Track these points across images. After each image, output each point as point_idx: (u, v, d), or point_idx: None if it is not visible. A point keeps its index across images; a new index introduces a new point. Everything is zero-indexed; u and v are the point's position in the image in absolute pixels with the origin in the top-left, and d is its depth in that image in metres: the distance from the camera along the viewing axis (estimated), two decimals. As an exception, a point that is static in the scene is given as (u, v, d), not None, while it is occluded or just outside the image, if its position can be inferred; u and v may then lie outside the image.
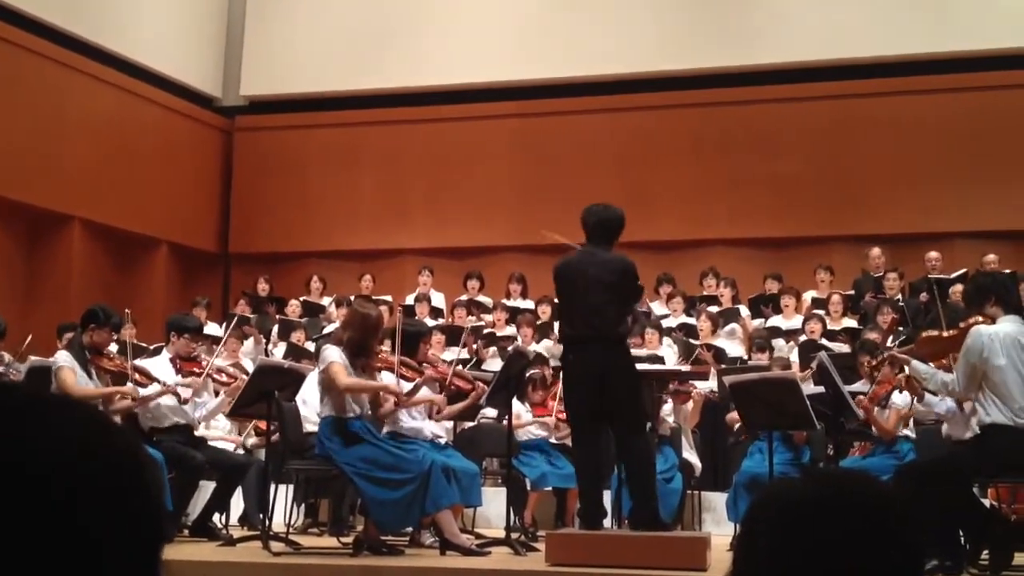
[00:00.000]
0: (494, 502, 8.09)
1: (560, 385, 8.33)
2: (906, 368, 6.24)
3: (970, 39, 12.46)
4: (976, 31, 12.45)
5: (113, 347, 7.58)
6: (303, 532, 7.91)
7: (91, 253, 12.59)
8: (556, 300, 6.45)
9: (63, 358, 6.76)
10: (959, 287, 9.66)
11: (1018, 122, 12.28)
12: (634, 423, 5.86)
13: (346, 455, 5.97)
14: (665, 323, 10.33)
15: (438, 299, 11.89)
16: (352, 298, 10.58)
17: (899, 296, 10.50)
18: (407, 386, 6.63)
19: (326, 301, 11.99)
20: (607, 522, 6.16)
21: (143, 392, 6.94)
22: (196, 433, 7.48)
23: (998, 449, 5.54)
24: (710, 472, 8.76)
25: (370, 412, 6.29)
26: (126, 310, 7.71)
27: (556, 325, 10.52)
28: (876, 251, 11.29)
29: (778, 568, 1.11)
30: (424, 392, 6.76)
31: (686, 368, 8.77)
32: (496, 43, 13.79)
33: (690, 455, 8.12)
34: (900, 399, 7.28)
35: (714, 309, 10.50)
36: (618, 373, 5.78)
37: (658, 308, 10.82)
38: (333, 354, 6.08)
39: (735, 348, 10.13)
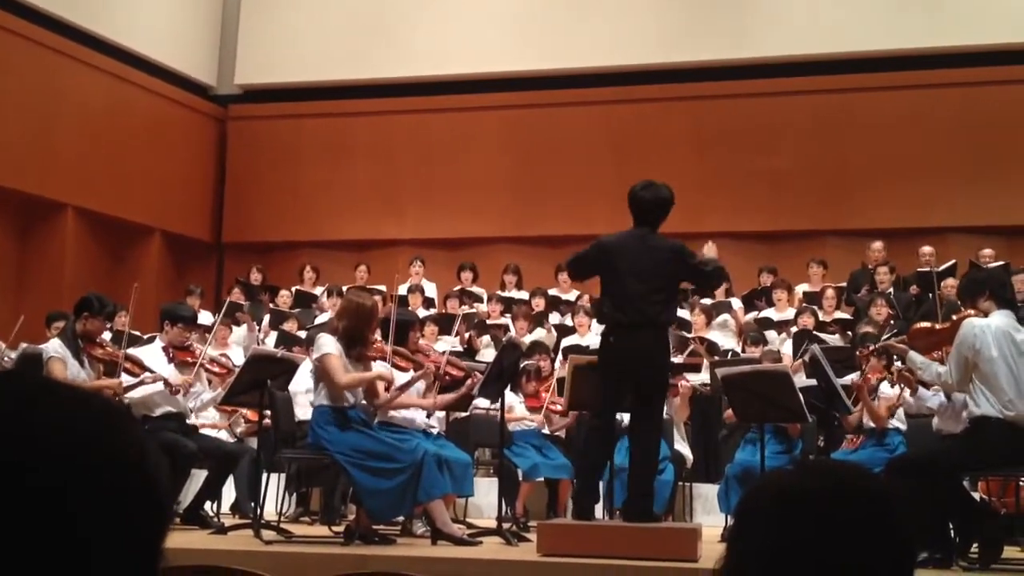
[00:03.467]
0: (486, 492, 8.11)
1: (554, 378, 8.39)
2: (898, 359, 6.26)
3: (966, 34, 12.47)
4: (972, 26, 12.46)
5: (106, 335, 7.56)
6: (295, 521, 7.91)
7: (84, 241, 12.56)
8: (577, 276, 6.31)
9: (54, 347, 6.73)
10: (950, 281, 9.70)
11: (1012, 117, 12.30)
12: (655, 415, 5.90)
13: (339, 444, 5.97)
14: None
15: (431, 289, 11.88)
16: (345, 288, 10.57)
17: (890, 290, 10.52)
18: (401, 377, 6.63)
19: (319, 291, 11.97)
20: (598, 512, 6.17)
21: (131, 382, 6.92)
22: (188, 421, 7.48)
23: (988, 442, 5.56)
24: (701, 464, 8.77)
25: (364, 401, 6.29)
26: (135, 284, 7.68)
27: (552, 316, 10.53)
28: (878, 244, 11.27)
29: (771, 559, 1.11)
30: (417, 391, 6.76)
31: (679, 360, 8.78)
32: (491, 34, 13.76)
33: (681, 447, 8.13)
34: (890, 390, 7.30)
35: (707, 301, 10.51)
36: (657, 362, 5.79)
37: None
38: (329, 345, 6.06)
39: (728, 340, 10.15)
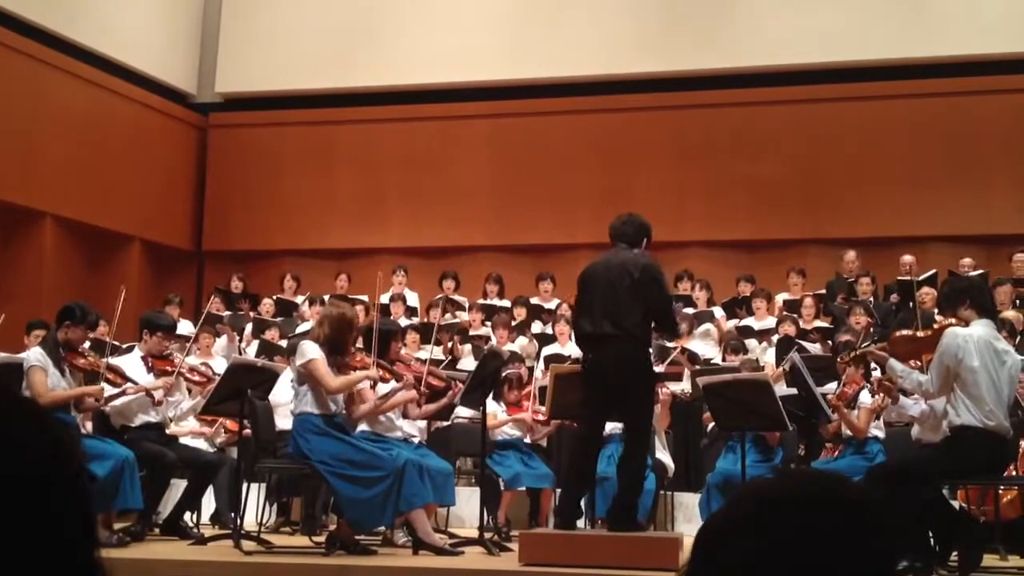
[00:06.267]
0: (468, 502, 8.09)
1: (535, 386, 8.40)
2: (878, 368, 6.28)
3: (945, 45, 12.57)
4: (951, 37, 12.56)
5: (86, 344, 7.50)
6: (275, 531, 7.88)
7: (63, 250, 12.48)
8: (575, 301, 6.33)
9: (35, 356, 6.68)
10: (926, 290, 9.75)
11: (992, 127, 12.39)
12: (640, 426, 5.90)
13: (320, 453, 5.95)
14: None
15: (413, 299, 11.87)
16: (326, 297, 10.55)
17: (871, 299, 10.57)
18: (383, 388, 6.61)
19: (300, 300, 11.95)
20: (580, 522, 6.17)
21: (112, 391, 6.88)
22: (167, 431, 7.43)
23: (968, 450, 5.59)
24: (683, 472, 8.79)
25: (344, 411, 6.27)
26: (121, 286, 7.62)
27: (535, 325, 10.53)
28: (851, 254, 11.35)
29: (751, 568, 1.10)
30: (399, 394, 6.75)
31: (660, 369, 8.80)
32: (474, 43, 13.78)
33: (663, 455, 8.14)
34: (868, 398, 7.33)
35: (689, 311, 10.54)
36: (634, 374, 5.78)
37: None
38: (314, 351, 6.04)
39: (709, 349, 10.17)
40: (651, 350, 6.34)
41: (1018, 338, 8.66)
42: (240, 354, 10.13)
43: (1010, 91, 12.45)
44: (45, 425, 0.90)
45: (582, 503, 6.34)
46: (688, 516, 8.33)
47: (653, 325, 5.96)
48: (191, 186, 14.47)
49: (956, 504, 6.82)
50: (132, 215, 13.23)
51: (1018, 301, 10.04)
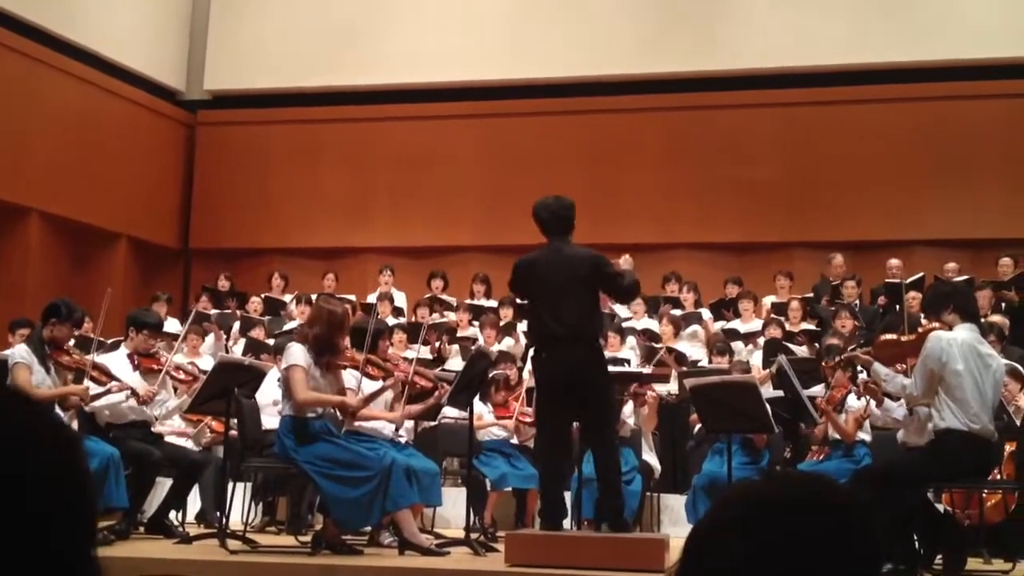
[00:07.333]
0: (454, 502, 8.09)
1: (523, 387, 8.39)
2: (864, 371, 6.31)
3: (933, 49, 12.62)
4: (939, 42, 12.61)
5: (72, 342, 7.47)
6: (261, 530, 7.86)
7: (49, 246, 12.43)
8: (519, 298, 6.36)
9: (20, 353, 6.65)
10: (913, 293, 9.79)
11: (979, 132, 12.45)
12: (604, 418, 5.90)
13: (306, 453, 5.93)
14: (627, 325, 10.38)
15: (400, 298, 11.86)
16: (315, 296, 10.52)
17: (856, 302, 10.60)
18: (370, 386, 6.60)
19: (287, 298, 11.93)
20: (566, 523, 6.17)
21: (97, 390, 6.85)
22: (153, 429, 7.41)
23: (952, 454, 5.61)
24: (669, 474, 8.80)
25: (332, 409, 6.26)
26: (108, 290, 7.59)
27: (520, 325, 10.54)
28: (839, 259, 11.39)
29: (737, 567, 1.11)
30: (385, 402, 6.74)
31: (647, 370, 8.81)
32: (463, 42, 13.78)
33: (649, 457, 8.16)
34: (856, 403, 7.36)
35: (677, 312, 10.56)
36: (591, 372, 5.79)
37: (621, 310, 10.85)
38: (297, 356, 6.01)
39: (697, 351, 10.19)
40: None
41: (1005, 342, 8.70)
42: (227, 352, 10.09)
43: (998, 96, 12.51)
44: (47, 424, 0.90)
45: (567, 504, 6.34)
46: (674, 518, 8.34)
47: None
48: (179, 183, 14.43)
49: (941, 508, 6.84)
50: (119, 212, 13.18)
51: (1003, 305, 10.09)
